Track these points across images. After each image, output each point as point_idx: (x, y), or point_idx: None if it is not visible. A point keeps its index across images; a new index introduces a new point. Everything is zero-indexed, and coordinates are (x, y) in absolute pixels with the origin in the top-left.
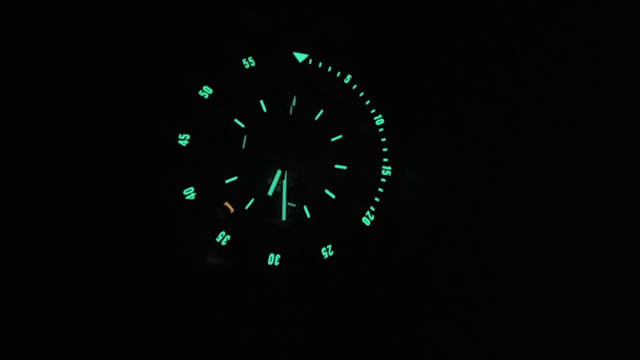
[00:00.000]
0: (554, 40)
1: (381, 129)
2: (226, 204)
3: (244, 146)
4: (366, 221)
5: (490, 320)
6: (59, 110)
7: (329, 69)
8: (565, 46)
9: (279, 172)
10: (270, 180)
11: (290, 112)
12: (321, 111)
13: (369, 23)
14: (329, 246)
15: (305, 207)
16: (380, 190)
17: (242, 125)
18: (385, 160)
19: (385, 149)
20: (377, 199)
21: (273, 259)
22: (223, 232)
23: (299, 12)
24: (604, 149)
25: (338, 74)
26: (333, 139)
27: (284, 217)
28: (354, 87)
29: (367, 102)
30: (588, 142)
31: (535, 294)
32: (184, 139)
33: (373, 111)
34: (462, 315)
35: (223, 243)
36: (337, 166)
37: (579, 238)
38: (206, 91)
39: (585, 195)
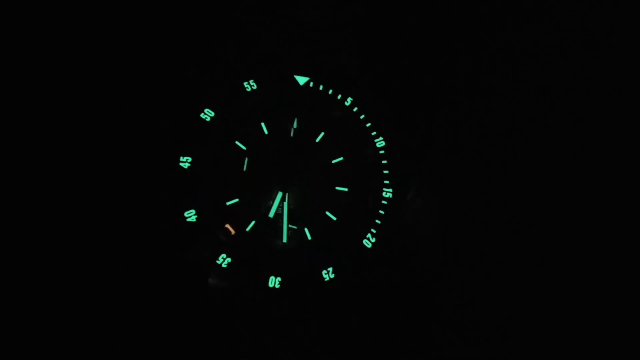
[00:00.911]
0: (554, 40)
1: (382, 151)
2: (227, 226)
3: (245, 168)
4: (367, 243)
5: (499, 345)
6: (61, 133)
7: (330, 91)
8: (565, 46)
9: (280, 194)
10: (271, 202)
11: (292, 135)
12: (322, 133)
13: (369, 46)
14: (330, 269)
15: (306, 229)
16: (382, 212)
17: (244, 148)
18: (386, 182)
19: (386, 171)
20: (378, 221)
21: (274, 282)
22: (224, 255)
23: (300, 36)
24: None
25: (339, 97)
26: (334, 161)
27: (284, 239)
28: (355, 109)
29: (368, 125)
30: (603, 149)
31: (550, 320)
32: (185, 162)
33: (374, 133)
34: (466, 338)
35: (224, 265)
36: (338, 188)
37: (592, 254)
38: (208, 114)
39: (596, 206)
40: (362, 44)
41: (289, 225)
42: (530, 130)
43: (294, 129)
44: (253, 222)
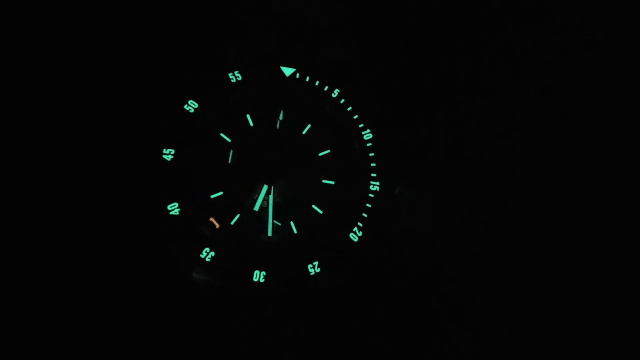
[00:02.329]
0: (554, 40)
1: (369, 144)
2: (211, 219)
3: (230, 161)
4: (354, 237)
5: (488, 340)
6: (44, 124)
7: (317, 83)
8: (565, 46)
9: (265, 187)
10: (256, 195)
11: (277, 127)
12: (309, 126)
13: (357, 37)
14: (316, 263)
15: (292, 223)
16: (369, 205)
17: (229, 140)
18: (373, 175)
19: (373, 164)
20: (365, 215)
21: (258, 276)
22: (207, 249)
23: (286, 27)
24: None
25: (326, 88)
26: (320, 154)
27: (270, 233)
28: (342, 101)
29: (355, 117)
30: (592, 144)
31: (549, 320)
32: (168, 154)
33: (361, 126)
34: (454, 333)
35: (207, 259)
36: (324, 181)
37: (584, 249)
38: (192, 105)
39: (596, 206)
40: (350, 36)
41: (274, 221)
42: (529, 130)
43: (280, 121)
44: (238, 216)
